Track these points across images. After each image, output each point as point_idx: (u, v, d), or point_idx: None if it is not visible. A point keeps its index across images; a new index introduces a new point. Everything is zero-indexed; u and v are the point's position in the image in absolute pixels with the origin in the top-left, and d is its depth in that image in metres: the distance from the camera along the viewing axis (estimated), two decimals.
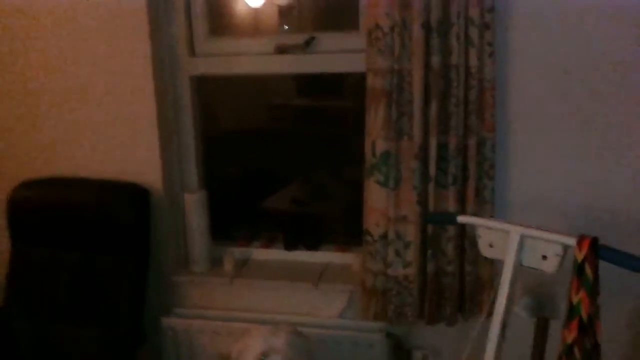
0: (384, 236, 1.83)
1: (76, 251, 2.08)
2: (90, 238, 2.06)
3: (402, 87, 1.73)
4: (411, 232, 1.81)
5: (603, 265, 1.28)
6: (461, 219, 1.56)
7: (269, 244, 2.29)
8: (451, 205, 1.77)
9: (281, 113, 2.64)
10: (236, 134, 2.55)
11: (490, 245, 1.46)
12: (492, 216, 1.80)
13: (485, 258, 1.57)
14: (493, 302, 1.42)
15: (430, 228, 1.81)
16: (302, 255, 2.25)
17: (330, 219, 2.46)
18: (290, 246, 2.26)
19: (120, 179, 2.11)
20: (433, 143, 1.74)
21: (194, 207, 2.12)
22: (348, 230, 2.26)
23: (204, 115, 2.24)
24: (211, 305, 2.19)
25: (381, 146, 1.77)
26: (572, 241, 1.31)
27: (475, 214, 1.74)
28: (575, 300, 1.27)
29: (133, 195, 2.07)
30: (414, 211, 1.79)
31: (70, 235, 2.08)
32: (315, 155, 2.51)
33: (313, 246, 2.25)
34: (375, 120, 1.76)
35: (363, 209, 1.90)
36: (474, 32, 1.67)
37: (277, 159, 2.56)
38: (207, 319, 2.14)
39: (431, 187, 1.77)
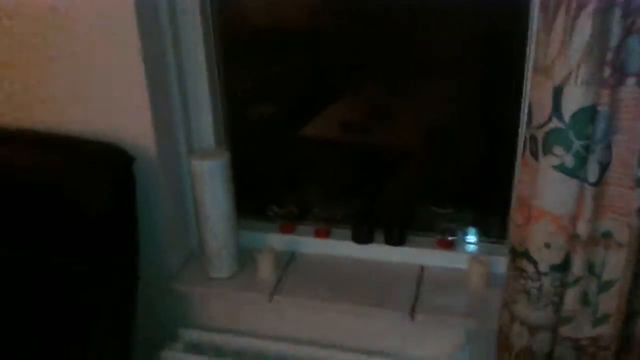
0: (562, 267, 0.97)
1: (17, 249, 1.27)
2: (38, 227, 1.25)
3: None
4: (618, 264, 0.94)
5: None
6: None
7: (326, 229, 1.45)
8: None
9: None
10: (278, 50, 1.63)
11: None
12: None
13: None
14: None
15: None
16: (381, 252, 1.41)
17: (425, 182, 1.56)
18: (361, 237, 1.42)
19: (97, 138, 1.27)
20: None
21: (209, 177, 1.27)
22: (457, 202, 1.41)
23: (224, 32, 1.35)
24: (237, 330, 1.41)
25: (576, 98, 0.87)
26: None
27: None
28: None
29: (104, 163, 1.23)
30: (630, 228, 0.91)
31: (7, 222, 1.27)
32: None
33: (399, 238, 1.40)
34: (567, 41, 0.84)
35: (511, 205, 1.04)
36: None
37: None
38: (229, 354, 1.37)
39: None
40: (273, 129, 1.56)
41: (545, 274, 0.98)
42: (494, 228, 1.39)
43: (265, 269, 1.37)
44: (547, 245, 0.96)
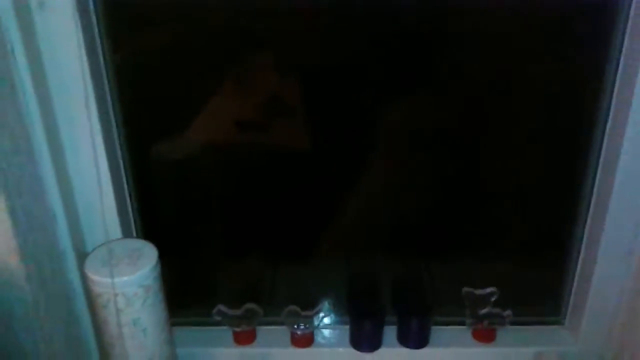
0: None
1: None
2: None
3: None
4: None
5: None
6: None
7: (307, 334, 0.96)
8: None
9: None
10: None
11: None
12: None
13: None
14: None
15: None
16: (395, 358, 0.95)
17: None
18: (364, 339, 0.95)
19: None
20: None
21: (130, 304, 0.73)
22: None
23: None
24: None
25: None
26: None
27: None
28: None
29: None
30: None
31: None
32: None
33: (419, 336, 0.95)
34: None
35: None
36: None
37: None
38: None
39: None
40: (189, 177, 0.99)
41: None
42: (553, 305, 0.99)
43: None
44: None
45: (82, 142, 0.77)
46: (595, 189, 0.85)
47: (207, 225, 0.98)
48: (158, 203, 0.94)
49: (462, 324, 0.96)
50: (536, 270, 0.98)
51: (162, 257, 0.76)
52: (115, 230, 0.84)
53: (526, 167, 0.90)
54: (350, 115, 0.87)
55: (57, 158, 0.76)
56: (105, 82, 0.79)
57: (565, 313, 0.97)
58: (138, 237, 0.91)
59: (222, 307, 0.95)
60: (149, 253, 0.75)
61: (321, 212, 0.95)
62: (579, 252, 0.91)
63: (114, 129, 0.82)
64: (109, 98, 0.80)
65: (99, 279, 0.71)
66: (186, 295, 1.00)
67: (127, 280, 0.71)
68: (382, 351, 0.95)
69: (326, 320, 0.98)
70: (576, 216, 0.89)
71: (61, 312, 0.80)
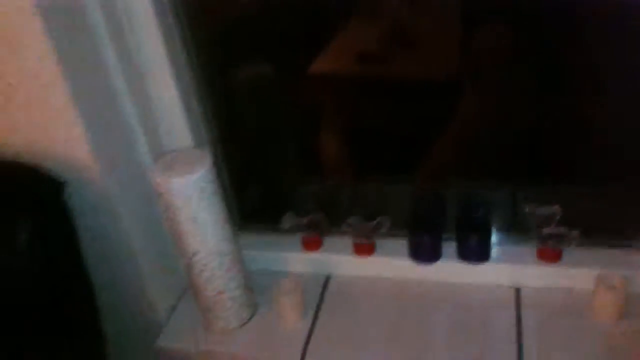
0: None
1: None
2: None
3: None
4: None
5: None
6: None
7: (370, 243, 1.00)
8: None
9: None
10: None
11: None
12: None
13: None
14: None
15: None
16: (454, 271, 0.97)
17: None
18: (423, 250, 0.97)
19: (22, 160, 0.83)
20: None
21: (183, 200, 0.82)
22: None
23: None
24: None
25: None
26: None
27: None
28: None
29: (17, 196, 0.79)
30: None
31: None
32: None
33: (479, 250, 0.95)
34: None
35: None
36: None
37: None
38: None
39: None
40: (272, 96, 1.05)
41: None
42: (622, 227, 0.92)
43: (290, 308, 0.94)
44: None
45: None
46: None
47: (282, 145, 1.06)
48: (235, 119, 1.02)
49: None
50: (610, 195, 0.91)
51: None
52: (188, 141, 0.93)
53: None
54: None
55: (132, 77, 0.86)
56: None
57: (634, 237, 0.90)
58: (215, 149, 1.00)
59: (290, 215, 1.02)
60: (205, 161, 0.83)
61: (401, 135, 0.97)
62: None
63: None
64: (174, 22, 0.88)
65: (161, 181, 0.80)
66: (259, 206, 1.08)
67: (183, 182, 0.80)
68: (441, 264, 0.96)
69: (387, 232, 1.01)
70: None
71: (143, 211, 0.92)
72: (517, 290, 0.93)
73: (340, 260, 1.01)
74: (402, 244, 0.98)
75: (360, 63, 0.96)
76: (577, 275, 0.90)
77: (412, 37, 0.92)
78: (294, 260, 1.03)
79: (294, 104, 1.01)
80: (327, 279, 1.02)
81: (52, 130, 0.79)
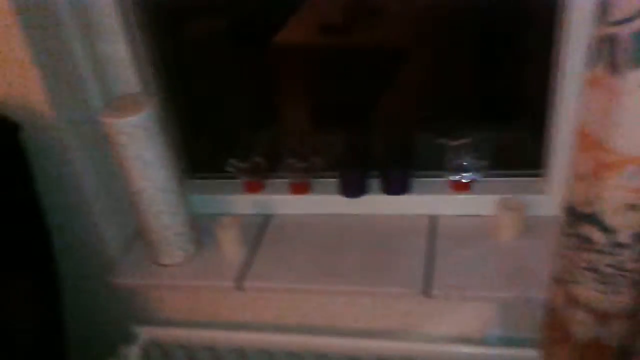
0: None
1: None
2: None
3: None
4: None
5: None
6: None
7: (305, 183, 1.11)
8: None
9: None
10: None
11: None
12: None
13: None
14: None
15: None
16: (379, 204, 1.08)
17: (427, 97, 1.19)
18: (351, 187, 1.08)
19: None
20: None
21: (130, 139, 0.91)
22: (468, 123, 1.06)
23: None
24: (203, 323, 1.11)
25: None
26: None
27: None
28: None
29: None
30: None
31: None
32: None
33: (400, 185, 1.07)
34: None
35: (547, 126, 0.70)
36: None
37: None
38: (198, 350, 1.08)
39: None
40: (222, 50, 1.15)
41: (626, 246, 0.65)
42: (524, 159, 1.05)
43: (230, 244, 1.05)
44: (632, 207, 0.62)
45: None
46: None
47: (228, 97, 1.15)
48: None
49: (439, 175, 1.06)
50: (517, 127, 1.04)
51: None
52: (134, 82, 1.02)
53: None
54: None
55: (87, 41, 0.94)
56: None
57: (541, 167, 1.03)
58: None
59: (233, 161, 1.12)
60: (151, 104, 0.92)
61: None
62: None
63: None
64: None
65: (109, 121, 0.89)
66: (205, 154, 1.18)
67: (128, 121, 0.89)
68: (367, 197, 1.07)
69: (320, 173, 1.12)
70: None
71: (95, 154, 1.01)
72: (433, 218, 1.06)
73: (279, 200, 1.12)
74: (333, 183, 1.09)
75: (320, 32, 1.06)
76: (485, 203, 1.03)
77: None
78: (238, 202, 1.13)
79: (242, 62, 1.11)
80: (267, 218, 1.12)
81: (9, 75, 0.87)
